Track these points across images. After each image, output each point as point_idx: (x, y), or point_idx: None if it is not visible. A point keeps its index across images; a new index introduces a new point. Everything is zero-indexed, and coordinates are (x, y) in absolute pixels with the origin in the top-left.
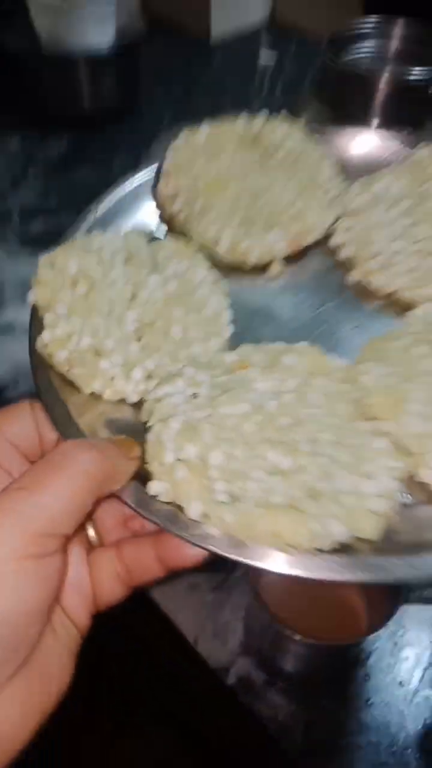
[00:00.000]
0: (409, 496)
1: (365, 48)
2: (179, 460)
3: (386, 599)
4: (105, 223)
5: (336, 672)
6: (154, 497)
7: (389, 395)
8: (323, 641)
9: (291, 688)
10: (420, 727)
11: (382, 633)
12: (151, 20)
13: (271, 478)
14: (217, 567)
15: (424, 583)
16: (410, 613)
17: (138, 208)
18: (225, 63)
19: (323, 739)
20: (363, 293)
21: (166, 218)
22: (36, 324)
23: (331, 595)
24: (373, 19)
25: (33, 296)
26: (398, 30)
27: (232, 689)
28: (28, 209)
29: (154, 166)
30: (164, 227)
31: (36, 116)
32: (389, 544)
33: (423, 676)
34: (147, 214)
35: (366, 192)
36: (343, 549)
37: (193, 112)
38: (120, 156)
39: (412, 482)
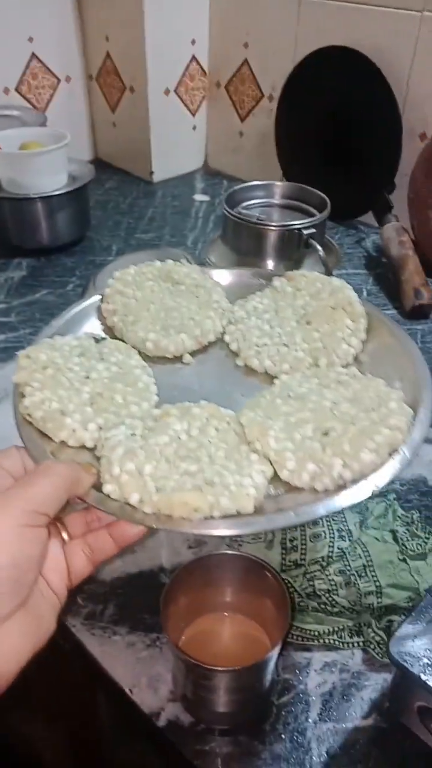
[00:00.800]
0: (273, 488)
1: (255, 203)
2: (123, 471)
3: (278, 623)
4: (63, 331)
5: (252, 712)
6: (107, 496)
7: (258, 427)
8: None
9: (213, 728)
10: (323, 757)
11: (292, 677)
12: (101, 164)
13: (183, 477)
14: (150, 629)
15: (277, 529)
16: (316, 658)
17: (86, 322)
18: (165, 200)
19: None
20: (246, 372)
21: (107, 328)
22: (18, 395)
23: (237, 631)
24: (260, 182)
25: (15, 377)
26: (279, 189)
27: (162, 730)
28: None
29: (97, 295)
30: (105, 335)
31: None
32: (259, 514)
33: (321, 711)
34: (93, 326)
35: (243, 309)
36: (229, 517)
37: (137, 241)
38: (73, 280)
39: (277, 480)
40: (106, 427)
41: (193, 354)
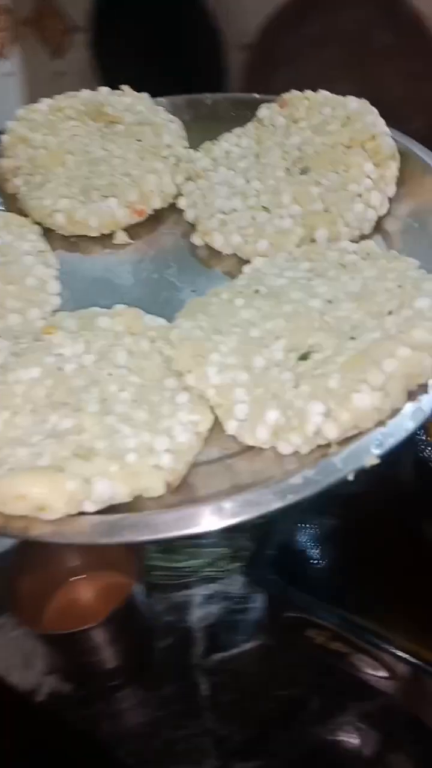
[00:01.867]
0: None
1: None
2: None
3: (134, 565)
4: None
5: (135, 663)
6: None
7: (193, 347)
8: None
9: (95, 690)
10: (215, 688)
11: (173, 618)
12: None
13: (45, 442)
14: None
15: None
16: (196, 593)
17: None
18: None
19: (132, 725)
20: (208, 256)
21: (8, 196)
22: None
23: (101, 587)
24: None
25: None
26: None
27: (42, 705)
28: None
29: None
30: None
31: None
32: (186, 496)
33: (207, 644)
34: None
35: (209, 155)
36: (114, 509)
37: None
38: None
39: (221, 435)
40: None
41: (130, 231)
